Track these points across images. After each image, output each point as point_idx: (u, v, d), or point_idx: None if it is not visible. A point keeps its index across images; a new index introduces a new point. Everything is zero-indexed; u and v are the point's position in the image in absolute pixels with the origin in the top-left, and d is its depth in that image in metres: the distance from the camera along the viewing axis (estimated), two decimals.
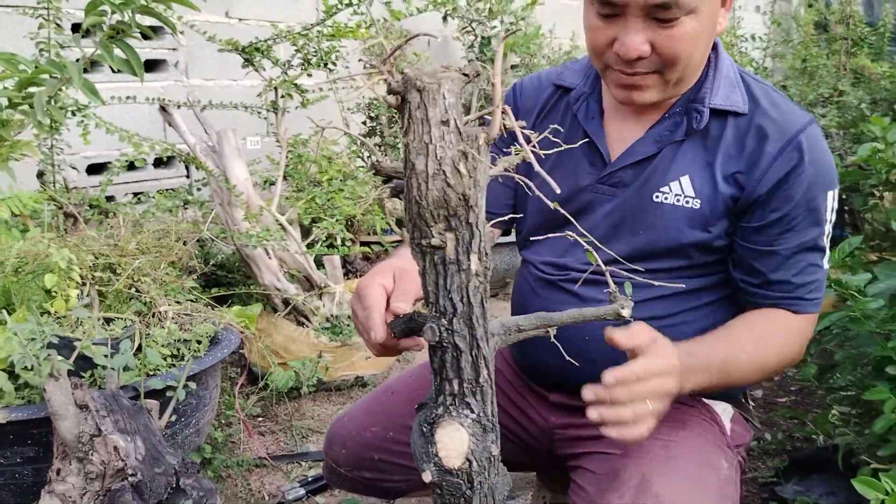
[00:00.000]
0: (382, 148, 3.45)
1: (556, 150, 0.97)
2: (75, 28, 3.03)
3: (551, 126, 0.98)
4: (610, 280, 1.00)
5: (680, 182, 1.28)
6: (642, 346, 1.07)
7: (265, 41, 2.60)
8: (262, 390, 2.46)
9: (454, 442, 0.97)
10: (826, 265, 1.31)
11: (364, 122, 3.52)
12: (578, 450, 1.36)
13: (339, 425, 1.52)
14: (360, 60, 3.57)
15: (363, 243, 3.32)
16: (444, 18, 4.27)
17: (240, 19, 3.74)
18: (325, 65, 2.73)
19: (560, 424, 1.42)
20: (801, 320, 1.29)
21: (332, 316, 2.60)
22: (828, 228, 1.28)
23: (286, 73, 2.74)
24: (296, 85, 2.72)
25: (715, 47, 1.32)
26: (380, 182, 3.05)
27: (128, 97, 2.73)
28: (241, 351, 2.59)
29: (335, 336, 2.52)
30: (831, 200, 1.26)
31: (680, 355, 1.12)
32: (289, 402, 2.44)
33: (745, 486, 1.97)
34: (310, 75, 2.75)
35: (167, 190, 3.20)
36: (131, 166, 2.93)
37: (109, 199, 2.97)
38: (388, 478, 1.45)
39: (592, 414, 1.06)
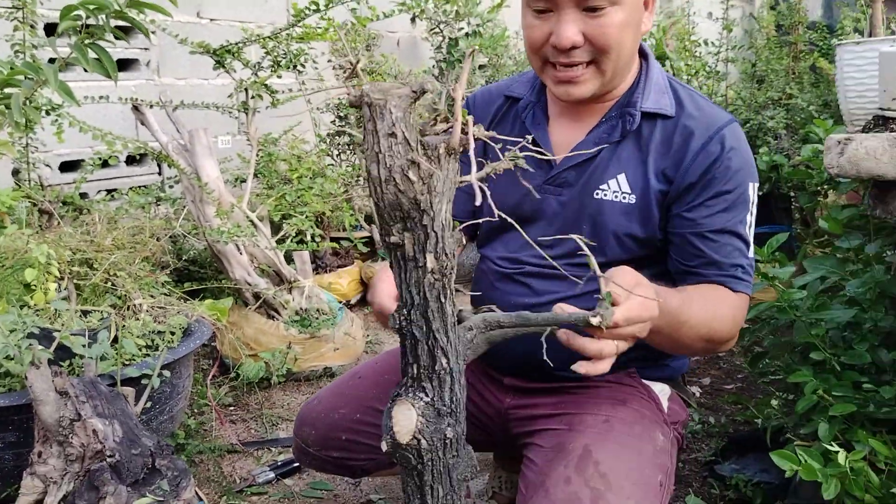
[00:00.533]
0: (351, 147, 3.54)
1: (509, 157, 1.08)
2: (49, 29, 3.10)
3: (513, 140, 1.08)
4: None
5: (617, 179, 1.41)
6: (624, 291, 1.10)
7: (236, 44, 2.68)
8: (233, 380, 2.55)
9: (405, 420, 1.08)
10: (751, 253, 1.43)
11: (333, 122, 3.61)
12: (530, 428, 1.48)
13: (308, 408, 1.63)
14: (329, 61, 3.66)
15: (333, 239, 3.42)
16: (413, 20, 4.38)
17: (211, 19, 3.81)
18: (295, 67, 2.82)
19: (513, 405, 1.54)
20: (737, 298, 1.40)
21: (301, 309, 2.70)
22: (750, 219, 1.41)
23: (256, 74, 2.83)
24: (265, 86, 2.81)
25: (646, 56, 1.46)
26: (349, 179, 3.15)
27: (101, 97, 2.79)
28: (212, 343, 2.69)
29: (304, 328, 2.62)
30: (752, 192, 1.40)
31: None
32: (259, 392, 2.54)
33: (687, 465, 2.10)
34: (279, 77, 2.84)
35: (139, 187, 3.27)
36: (104, 164, 3.00)
37: (83, 195, 3.03)
38: (355, 457, 1.57)
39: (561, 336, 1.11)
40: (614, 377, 1.48)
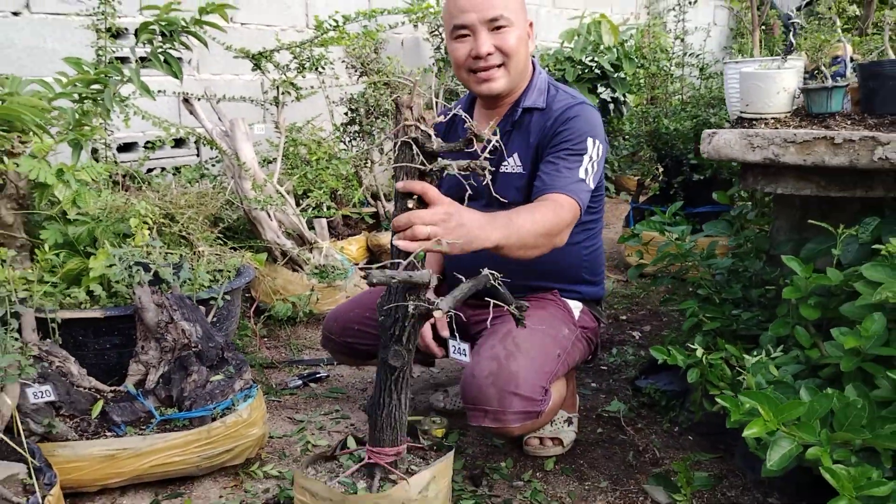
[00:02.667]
0: (360, 134, 4.17)
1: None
2: (119, 33, 3.71)
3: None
4: None
5: (513, 158, 2.09)
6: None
7: (270, 51, 3.32)
8: (266, 319, 3.20)
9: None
10: (588, 182, 1.97)
11: (346, 113, 4.25)
12: (479, 328, 2.14)
13: (335, 309, 2.38)
14: (343, 61, 4.29)
15: (344, 215, 4.07)
16: (415, 24, 4.99)
17: (242, 24, 4.43)
18: (316, 68, 3.45)
19: (472, 315, 2.18)
20: (566, 200, 1.91)
21: (319, 265, 3.34)
22: (586, 161, 1.98)
23: (285, 74, 3.46)
24: (292, 84, 3.44)
25: (535, 68, 2.13)
26: (358, 161, 3.78)
27: (160, 90, 3.43)
28: (248, 293, 3.33)
29: (323, 279, 3.26)
30: (591, 145, 1.99)
31: (479, 216, 1.65)
32: (287, 328, 3.19)
33: (617, 382, 2.74)
34: (304, 77, 3.47)
35: (182, 166, 3.91)
36: (152, 146, 3.64)
37: (140, 172, 3.67)
38: (364, 342, 2.25)
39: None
40: (541, 295, 2.15)
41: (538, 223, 1.80)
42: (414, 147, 1.53)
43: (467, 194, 1.64)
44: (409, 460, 1.83)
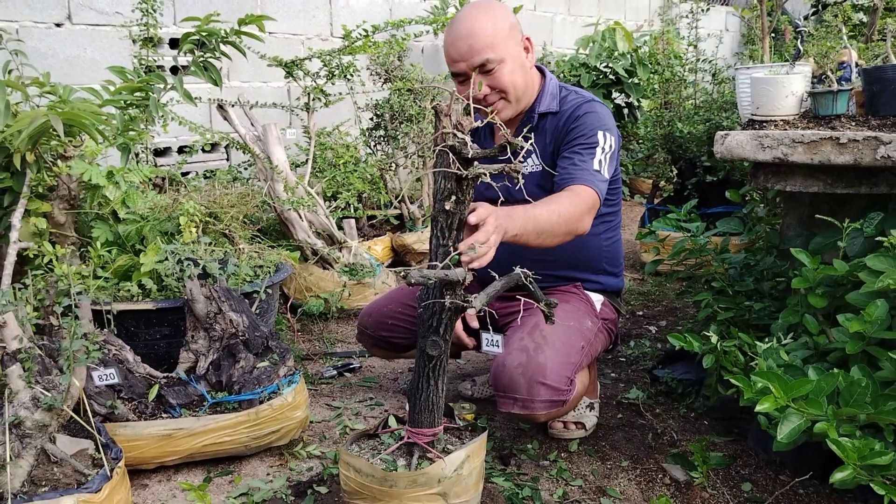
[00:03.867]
0: (385, 139, 4.34)
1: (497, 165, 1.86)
2: (170, 43, 3.87)
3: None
4: None
5: (532, 158, 2.24)
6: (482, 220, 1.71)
7: (301, 59, 3.48)
8: (300, 315, 3.36)
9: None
10: (602, 172, 2.10)
11: (371, 119, 4.41)
12: (508, 321, 2.28)
13: (369, 305, 2.49)
14: (367, 69, 4.45)
15: (369, 216, 4.23)
16: (436, 32, 5.15)
17: (270, 33, 4.61)
18: (345, 75, 3.61)
19: (499, 307, 2.33)
20: (582, 189, 2.04)
21: (349, 263, 3.50)
22: (599, 153, 2.11)
23: (315, 81, 3.63)
24: (322, 91, 3.60)
25: (544, 74, 2.28)
26: (383, 165, 3.94)
27: (196, 97, 3.59)
28: (282, 290, 3.49)
29: (352, 277, 3.41)
30: (602, 138, 2.13)
31: (502, 211, 1.82)
32: (319, 323, 3.35)
33: (635, 373, 2.88)
34: (333, 84, 3.63)
35: (214, 170, 4.09)
36: (189, 150, 3.81)
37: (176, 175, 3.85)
38: (397, 335, 2.38)
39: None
40: (564, 289, 2.29)
41: (553, 212, 1.94)
42: (451, 154, 1.67)
43: (500, 200, 1.78)
44: (445, 440, 1.97)
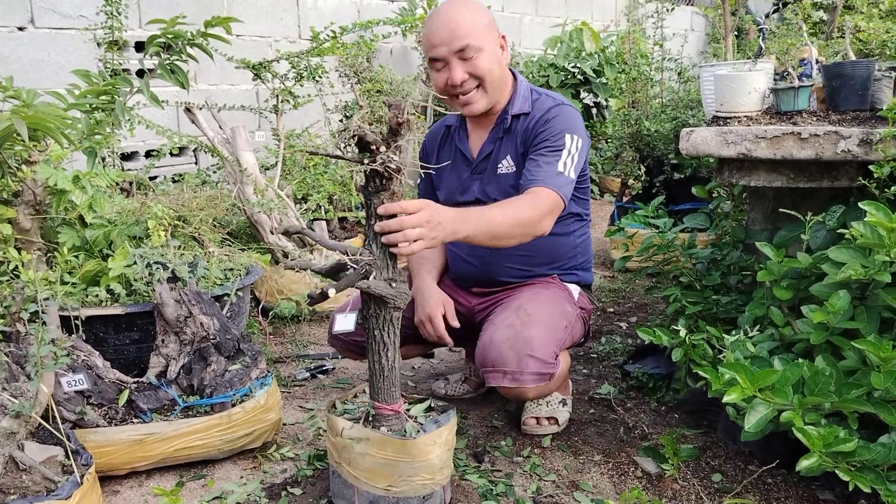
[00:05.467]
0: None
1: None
2: (124, 44, 3.84)
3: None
4: None
5: (506, 160, 2.27)
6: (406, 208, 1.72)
7: (269, 62, 3.47)
8: (272, 318, 3.34)
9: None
10: (567, 174, 2.13)
11: (341, 120, 4.40)
12: (488, 313, 2.29)
13: (339, 309, 2.44)
14: (336, 70, 4.45)
15: (340, 217, 4.22)
16: (404, 34, 5.16)
17: (237, 35, 4.58)
18: (313, 77, 3.61)
19: (477, 304, 2.35)
20: (543, 192, 2.07)
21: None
22: (565, 155, 2.15)
23: (283, 83, 3.61)
24: (291, 93, 3.59)
25: (515, 77, 2.31)
26: (354, 167, 3.93)
27: (163, 100, 3.56)
28: (253, 293, 3.47)
29: (324, 279, 3.40)
30: (569, 140, 2.16)
31: (451, 213, 1.85)
32: (291, 325, 3.33)
33: (606, 368, 2.90)
34: (301, 86, 3.62)
35: (183, 174, 4.05)
36: (156, 154, 3.78)
37: (142, 179, 3.81)
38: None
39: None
40: (542, 280, 2.32)
41: (508, 216, 1.97)
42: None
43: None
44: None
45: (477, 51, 2.14)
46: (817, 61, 2.48)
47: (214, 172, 3.93)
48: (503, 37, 2.27)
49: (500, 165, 2.30)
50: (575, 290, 2.38)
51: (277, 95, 3.57)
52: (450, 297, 2.39)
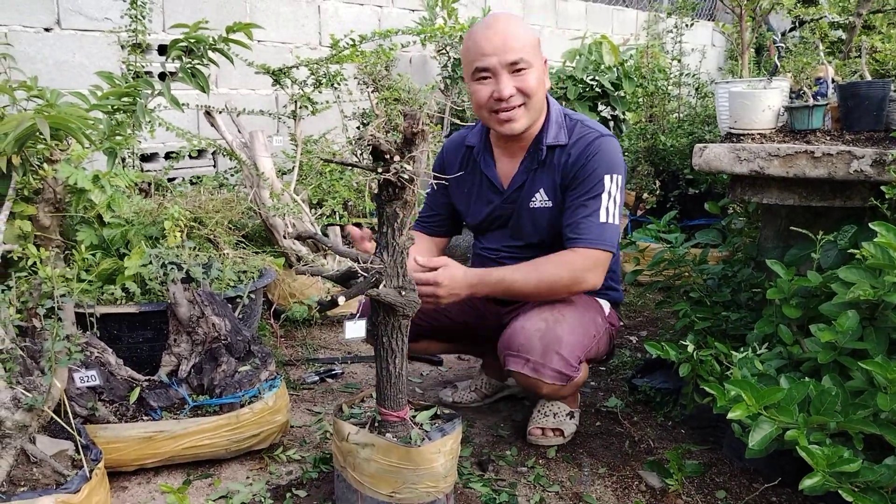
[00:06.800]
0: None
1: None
2: (147, 47, 3.90)
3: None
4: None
5: (540, 193, 2.24)
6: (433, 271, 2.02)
7: (289, 67, 3.51)
8: (283, 321, 3.37)
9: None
10: (611, 221, 2.14)
11: (358, 128, 4.44)
12: (517, 314, 2.27)
13: (364, 305, 2.47)
14: (354, 77, 4.49)
15: (355, 224, 4.25)
16: (423, 43, 5.20)
17: (258, 41, 4.64)
18: (332, 84, 3.65)
19: (506, 311, 2.36)
20: (585, 253, 2.12)
21: (334, 270, 3.51)
22: (605, 199, 2.14)
23: (302, 89, 3.65)
24: (309, 99, 3.63)
25: (547, 100, 2.26)
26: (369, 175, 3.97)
27: (183, 103, 3.61)
28: (266, 296, 3.50)
29: (337, 283, 3.42)
30: (608, 181, 2.15)
31: (470, 275, 2.05)
32: (303, 329, 3.36)
33: (614, 382, 2.91)
34: (320, 92, 3.66)
35: (201, 176, 4.10)
36: (176, 156, 3.82)
37: (163, 181, 3.86)
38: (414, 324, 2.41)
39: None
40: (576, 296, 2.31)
41: (532, 280, 2.10)
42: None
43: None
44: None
45: (528, 66, 2.11)
46: (833, 80, 2.48)
47: (232, 175, 3.97)
48: (545, 61, 2.23)
49: (533, 199, 2.26)
50: (606, 305, 2.38)
51: (296, 101, 3.61)
52: (476, 306, 2.39)
